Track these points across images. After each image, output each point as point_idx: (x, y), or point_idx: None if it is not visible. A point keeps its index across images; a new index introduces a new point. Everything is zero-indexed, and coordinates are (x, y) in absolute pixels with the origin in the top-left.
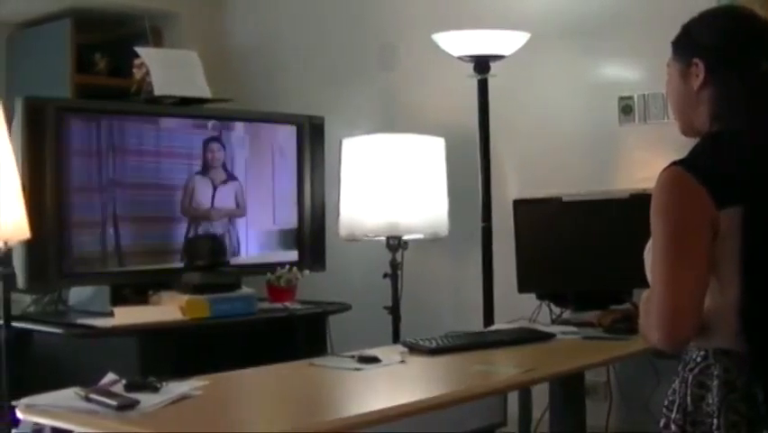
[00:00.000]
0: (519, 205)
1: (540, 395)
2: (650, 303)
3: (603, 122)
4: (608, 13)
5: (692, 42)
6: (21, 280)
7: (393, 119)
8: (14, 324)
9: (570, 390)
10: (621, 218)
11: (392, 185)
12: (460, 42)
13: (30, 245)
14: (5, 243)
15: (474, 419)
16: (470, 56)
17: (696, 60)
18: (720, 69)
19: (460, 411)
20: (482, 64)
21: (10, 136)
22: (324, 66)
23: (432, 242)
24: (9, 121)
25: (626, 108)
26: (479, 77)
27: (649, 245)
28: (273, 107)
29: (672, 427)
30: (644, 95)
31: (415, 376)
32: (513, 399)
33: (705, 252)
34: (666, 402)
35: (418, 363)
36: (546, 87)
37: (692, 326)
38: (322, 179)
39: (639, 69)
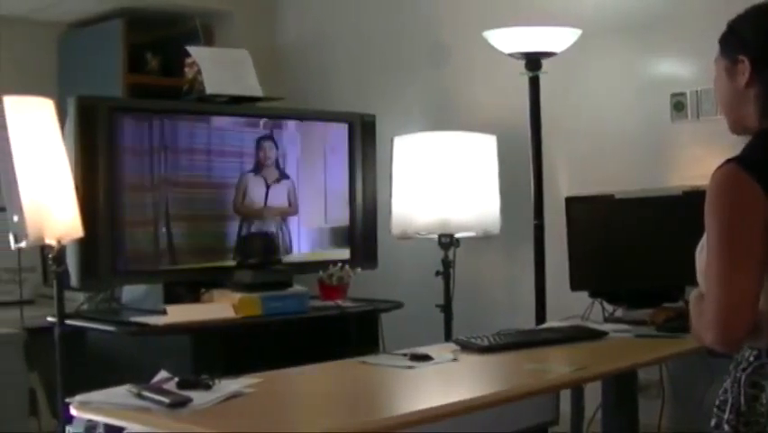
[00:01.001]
0: (571, 202)
1: (592, 393)
2: (703, 303)
3: (655, 119)
4: (660, 9)
5: (737, 40)
6: (74, 279)
7: (444, 117)
8: (68, 322)
9: (622, 388)
10: (674, 216)
11: (444, 183)
12: (511, 40)
13: (83, 244)
14: (59, 241)
15: (526, 417)
16: (522, 53)
17: (741, 58)
18: (765, 67)
19: (512, 410)
20: (534, 61)
21: (63, 136)
22: (376, 64)
23: (484, 240)
24: (62, 120)
25: (679, 105)
26: (530, 74)
27: (702, 243)
28: (324, 106)
29: (725, 427)
30: (696, 91)
31: (467, 374)
32: (565, 397)
33: (760, 251)
34: (717, 402)
35: (470, 361)
36: (598, 84)
37: (746, 326)
38: (374, 177)
39: (691, 65)
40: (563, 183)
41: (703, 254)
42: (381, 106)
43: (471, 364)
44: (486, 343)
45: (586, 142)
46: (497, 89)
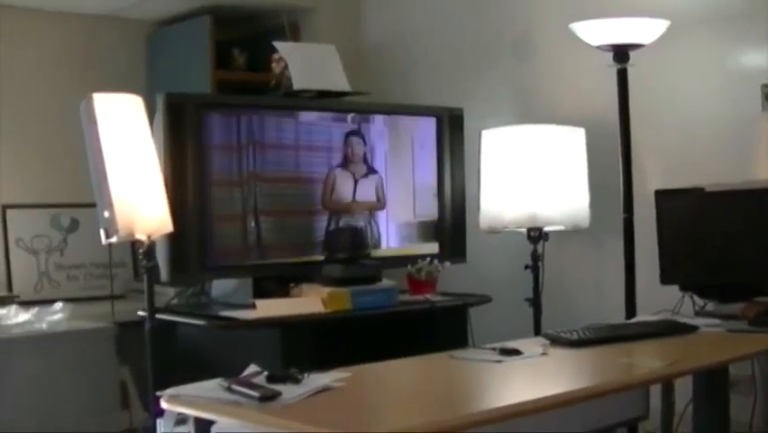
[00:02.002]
0: (661, 195)
1: (683, 389)
2: None
3: (746, 110)
4: None
5: None
6: (164, 274)
7: (532, 110)
8: (159, 316)
9: (713, 384)
10: (765, 208)
11: (532, 176)
12: (598, 32)
13: (172, 239)
14: (149, 237)
15: (616, 412)
16: (609, 45)
17: None
18: None
19: (602, 405)
20: (621, 53)
21: (152, 132)
22: (461, 57)
23: (573, 233)
24: (151, 117)
25: None
26: (618, 66)
27: None
28: (409, 101)
29: None
30: None
31: (556, 369)
32: (655, 392)
33: None
34: None
35: (560, 355)
36: (687, 76)
37: None
38: (462, 170)
39: None
40: (653, 176)
41: None
42: (467, 100)
43: (561, 359)
44: (575, 337)
45: (675, 135)
46: (584, 82)
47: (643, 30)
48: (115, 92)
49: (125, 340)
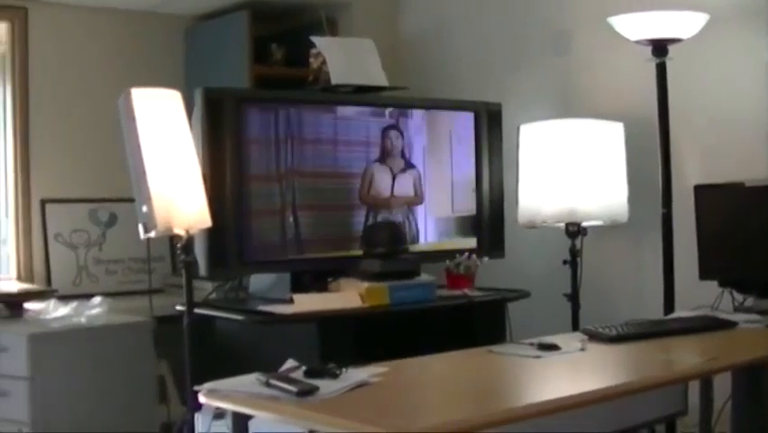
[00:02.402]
0: (700, 190)
1: (722, 385)
2: None
3: None
4: None
5: None
6: (202, 268)
7: (570, 104)
8: (197, 310)
9: (753, 380)
10: None
11: (571, 171)
12: (637, 26)
13: (211, 234)
14: (187, 231)
15: (655, 407)
16: (648, 39)
17: None
18: None
19: (640, 400)
20: (660, 48)
21: (190, 127)
22: (500, 52)
23: (611, 228)
24: (189, 112)
25: None
26: (657, 60)
27: None
28: (447, 95)
29: None
30: None
31: (595, 364)
32: (694, 388)
33: None
34: None
35: (598, 350)
36: (726, 70)
37: None
38: (500, 165)
39: None
40: (692, 171)
41: None
42: (506, 95)
43: (600, 354)
44: (614, 332)
45: (714, 130)
46: (622, 76)
47: (682, 24)
48: (154, 87)
49: (163, 334)
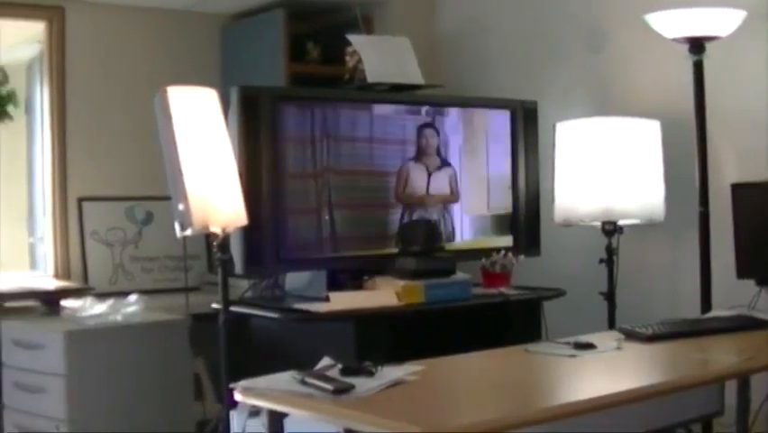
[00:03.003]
0: (738, 189)
1: (759, 385)
2: None
3: None
4: None
5: None
6: (238, 266)
7: (606, 102)
8: (233, 309)
9: None
10: None
11: (607, 169)
12: (673, 23)
13: (247, 231)
14: (223, 229)
15: (691, 407)
16: (685, 37)
17: None
18: None
19: (676, 400)
20: (697, 45)
21: (226, 125)
22: (535, 49)
23: (648, 227)
24: (225, 110)
25: None
26: (694, 58)
27: None
28: (482, 93)
29: None
30: None
31: (631, 363)
32: (731, 388)
33: None
34: None
35: (635, 350)
36: (763, 67)
37: None
38: (536, 163)
39: None
40: (729, 169)
41: None
42: (542, 92)
43: (636, 353)
44: (651, 332)
45: (752, 128)
46: (658, 74)
47: (719, 21)
48: (190, 85)
49: (199, 332)
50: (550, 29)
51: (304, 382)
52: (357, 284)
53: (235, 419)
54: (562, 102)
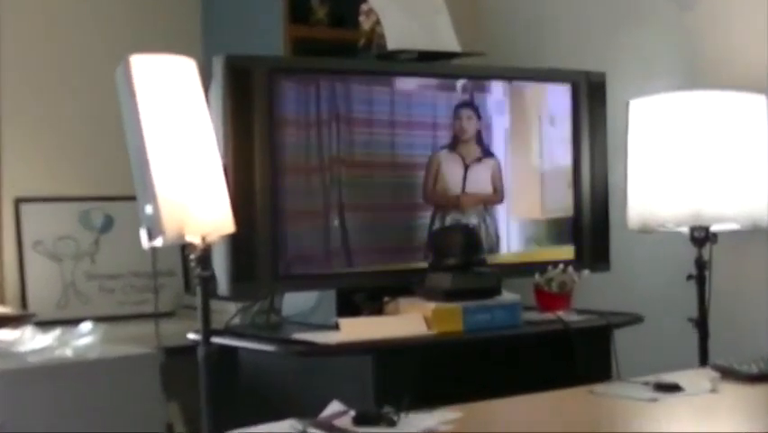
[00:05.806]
0: None
1: None
2: None
3: None
4: None
5: None
6: (223, 286)
7: (696, 73)
8: (216, 339)
9: None
10: None
11: (697, 159)
12: None
13: (234, 241)
14: (204, 239)
15: None
16: None
17: None
18: None
19: None
20: None
21: (208, 104)
22: (602, 9)
23: (750, 234)
24: (207, 85)
25: None
26: None
27: None
28: (536, 63)
29: None
30: None
31: (729, 410)
32: None
33: None
34: None
35: (734, 392)
36: None
37: None
38: (604, 152)
39: None
40: None
41: None
42: (611, 62)
43: (735, 397)
44: (755, 370)
45: None
46: (765, 36)
47: None
48: (161, 54)
49: (173, 370)
50: None
51: None
52: (375, 308)
53: None
54: (639, 73)
